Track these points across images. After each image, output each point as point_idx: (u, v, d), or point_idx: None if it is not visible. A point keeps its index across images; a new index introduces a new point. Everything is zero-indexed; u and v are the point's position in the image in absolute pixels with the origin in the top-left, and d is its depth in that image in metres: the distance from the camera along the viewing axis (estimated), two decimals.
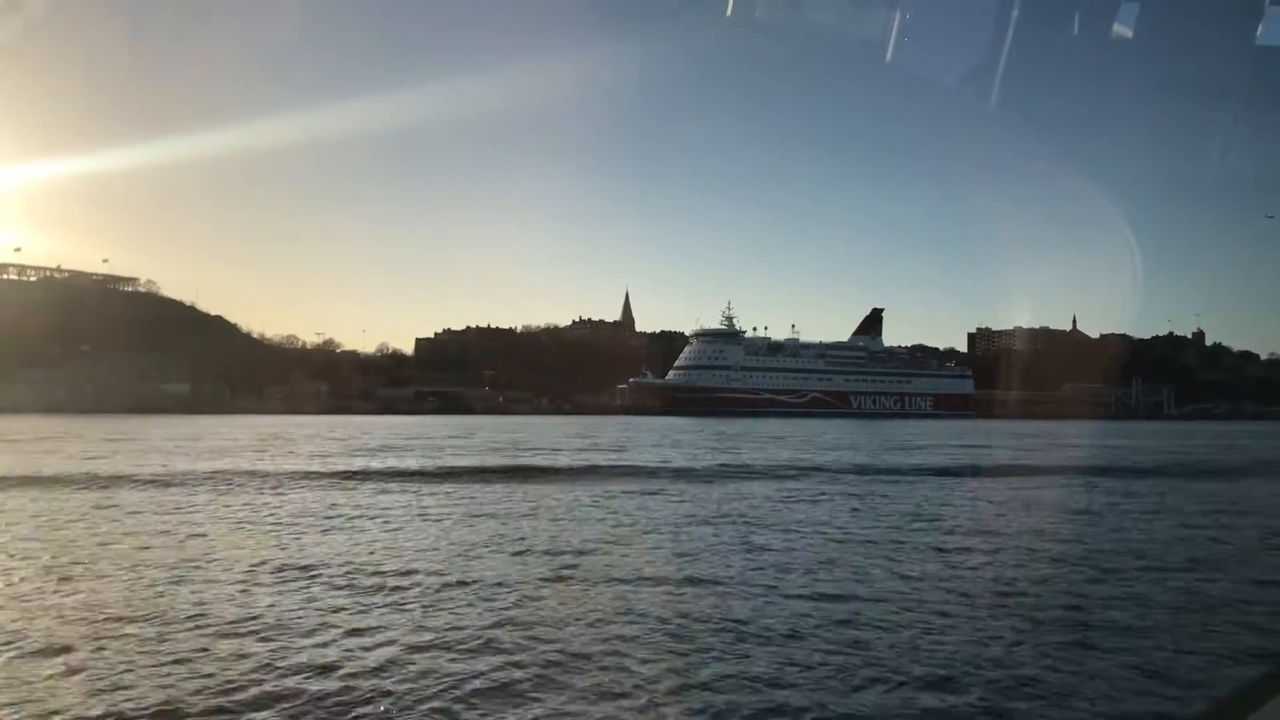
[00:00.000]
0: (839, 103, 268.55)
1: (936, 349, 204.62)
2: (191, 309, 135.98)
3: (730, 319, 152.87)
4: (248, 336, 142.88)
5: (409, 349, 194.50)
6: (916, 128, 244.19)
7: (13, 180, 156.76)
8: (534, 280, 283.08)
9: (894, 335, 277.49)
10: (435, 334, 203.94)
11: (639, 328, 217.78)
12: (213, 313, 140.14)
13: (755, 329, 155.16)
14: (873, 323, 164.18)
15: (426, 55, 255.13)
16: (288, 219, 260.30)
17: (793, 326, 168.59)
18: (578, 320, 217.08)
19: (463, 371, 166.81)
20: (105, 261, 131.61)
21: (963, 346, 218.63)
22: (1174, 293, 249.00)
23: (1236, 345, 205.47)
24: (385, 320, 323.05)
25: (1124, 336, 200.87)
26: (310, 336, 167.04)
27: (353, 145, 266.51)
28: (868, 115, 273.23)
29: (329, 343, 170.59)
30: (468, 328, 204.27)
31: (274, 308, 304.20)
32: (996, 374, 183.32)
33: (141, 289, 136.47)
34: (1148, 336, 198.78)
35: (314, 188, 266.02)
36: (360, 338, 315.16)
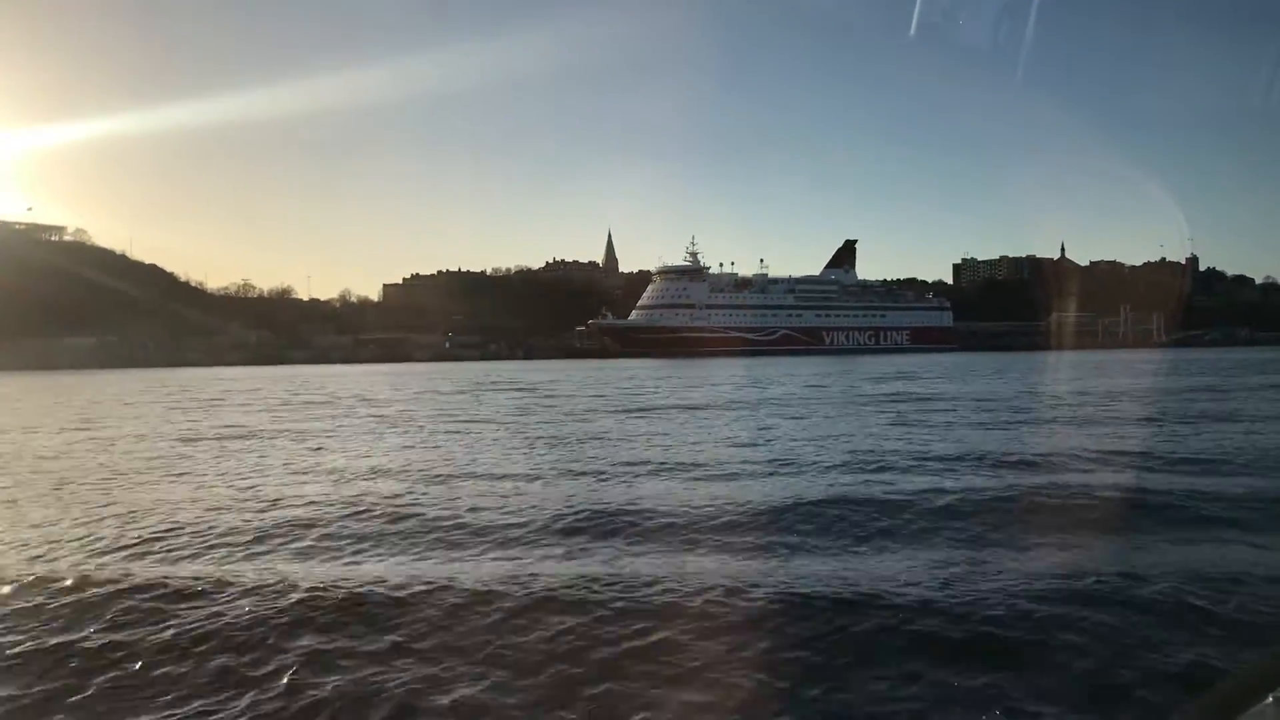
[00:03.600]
0: (830, 33, 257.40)
1: (926, 282, 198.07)
2: (122, 258, 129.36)
3: (695, 255, 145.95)
4: (186, 285, 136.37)
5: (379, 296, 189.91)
6: (921, 62, 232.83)
7: None
8: (515, 225, 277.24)
9: (876, 269, 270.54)
10: (404, 279, 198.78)
11: (624, 269, 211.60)
12: (147, 261, 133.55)
13: (722, 265, 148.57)
14: (846, 255, 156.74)
15: (419, 19, 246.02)
16: (259, 179, 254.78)
17: (761, 261, 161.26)
18: (551, 261, 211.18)
19: (428, 317, 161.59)
20: (30, 210, 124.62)
21: (950, 279, 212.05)
22: (1169, 217, 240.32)
23: (1231, 269, 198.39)
24: (358, 268, 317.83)
25: (1114, 263, 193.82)
26: (270, 287, 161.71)
27: (326, 109, 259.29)
28: (859, 44, 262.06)
29: (285, 291, 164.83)
30: (438, 272, 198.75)
31: (235, 261, 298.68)
32: (981, 305, 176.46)
33: (70, 238, 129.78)
34: (1139, 263, 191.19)
35: (288, 147, 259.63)
36: (316, 285, 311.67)
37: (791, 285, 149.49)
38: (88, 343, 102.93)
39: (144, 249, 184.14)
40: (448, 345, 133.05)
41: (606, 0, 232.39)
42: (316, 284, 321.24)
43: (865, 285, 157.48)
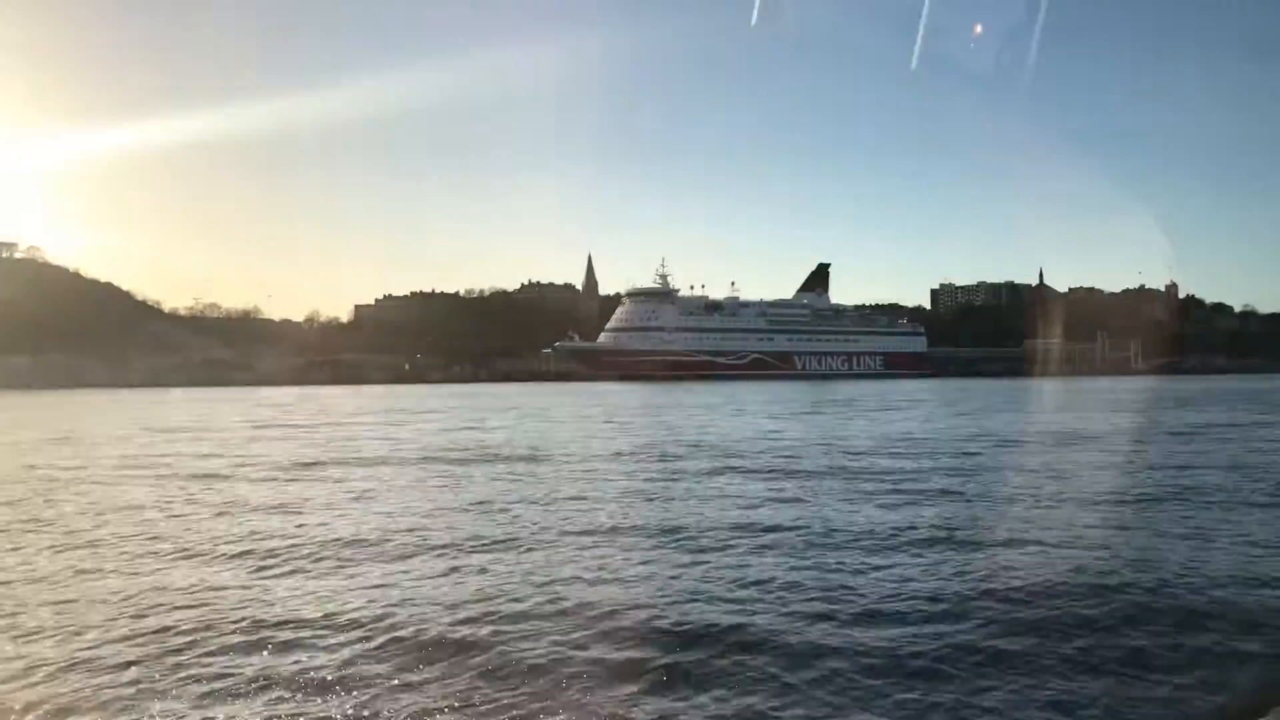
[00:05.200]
0: (819, 58, 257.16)
1: (904, 307, 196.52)
2: (75, 275, 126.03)
3: (664, 277, 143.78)
4: (142, 304, 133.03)
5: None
6: (912, 88, 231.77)
7: None
8: (494, 247, 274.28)
9: (856, 293, 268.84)
10: (375, 300, 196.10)
11: (604, 291, 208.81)
12: (104, 279, 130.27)
13: (693, 287, 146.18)
14: (819, 278, 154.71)
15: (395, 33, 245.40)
16: (229, 198, 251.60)
17: (732, 284, 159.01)
18: (527, 283, 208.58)
19: (398, 338, 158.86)
20: None
21: (929, 304, 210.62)
22: (1148, 244, 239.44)
23: (1210, 298, 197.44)
24: (332, 288, 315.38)
25: (1092, 290, 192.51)
26: (236, 306, 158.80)
27: (296, 127, 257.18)
28: (848, 71, 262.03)
29: (250, 311, 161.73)
30: (412, 293, 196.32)
31: (206, 279, 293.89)
32: (958, 331, 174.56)
33: (22, 255, 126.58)
34: (1118, 290, 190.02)
35: (259, 165, 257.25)
36: (288, 306, 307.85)
37: (763, 309, 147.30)
38: (24, 362, 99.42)
39: (106, 266, 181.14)
40: (407, 367, 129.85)
41: (592, 15, 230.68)
42: (290, 304, 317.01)
43: (839, 310, 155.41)
